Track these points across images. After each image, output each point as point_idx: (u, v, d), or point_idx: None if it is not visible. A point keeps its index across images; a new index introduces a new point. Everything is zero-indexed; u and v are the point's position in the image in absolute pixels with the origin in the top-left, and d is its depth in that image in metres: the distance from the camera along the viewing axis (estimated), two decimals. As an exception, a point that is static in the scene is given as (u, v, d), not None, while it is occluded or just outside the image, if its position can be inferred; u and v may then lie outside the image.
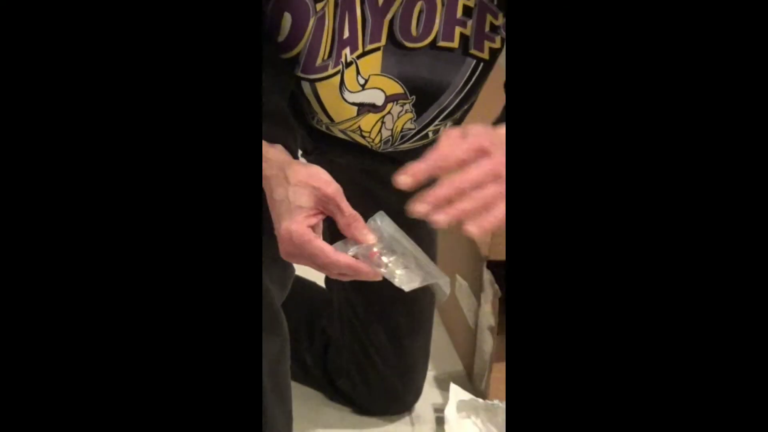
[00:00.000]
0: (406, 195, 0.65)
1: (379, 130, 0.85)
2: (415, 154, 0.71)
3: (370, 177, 0.89)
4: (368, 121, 0.82)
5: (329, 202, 0.64)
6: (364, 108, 0.80)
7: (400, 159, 0.79)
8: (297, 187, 0.65)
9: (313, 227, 0.64)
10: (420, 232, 0.83)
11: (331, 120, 0.80)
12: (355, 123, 0.83)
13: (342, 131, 0.81)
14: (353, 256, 0.64)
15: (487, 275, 1.03)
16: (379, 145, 0.83)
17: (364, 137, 0.82)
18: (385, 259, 0.64)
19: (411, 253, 0.66)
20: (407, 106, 0.83)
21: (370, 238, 0.65)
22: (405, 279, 0.65)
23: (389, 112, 0.85)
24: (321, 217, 0.65)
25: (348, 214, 0.64)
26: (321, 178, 0.64)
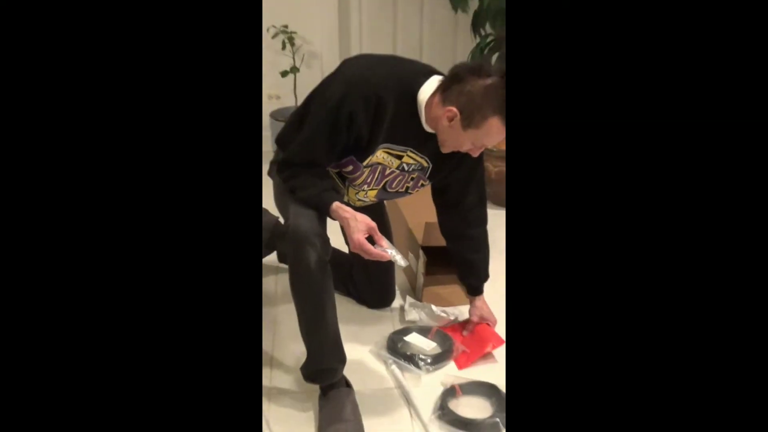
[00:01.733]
0: (373, 213, 1.32)
1: (361, 204, 1.48)
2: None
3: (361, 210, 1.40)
4: (359, 203, 1.48)
5: (372, 230, 1.23)
6: (362, 202, 1.49)
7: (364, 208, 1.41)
8: (360, 222, 1.23)
9: (366, 239, 1.20)
10: (383, 221, 1.56)
11: (347, 197, 1.47)
12: (356, 201, 1.49)
13: (346, 202, 1.35)
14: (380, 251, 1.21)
15: (421, 251, 1.75)
16: (357, 204, 1.48)
17: (351, 204, 1.35)
18: (390, 251, 1.23)
19: (397, 251, 1.25)
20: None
21: (387, 244, 1.24)
22: (400, 261, 1.24)
23: (368, 200, 1.49)
24: (367, 234, 1.22)
25: (378, 235, 1.24)
26: (370, 220, 1.24)
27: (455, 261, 1.63)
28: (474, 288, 1.61)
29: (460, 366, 1.56)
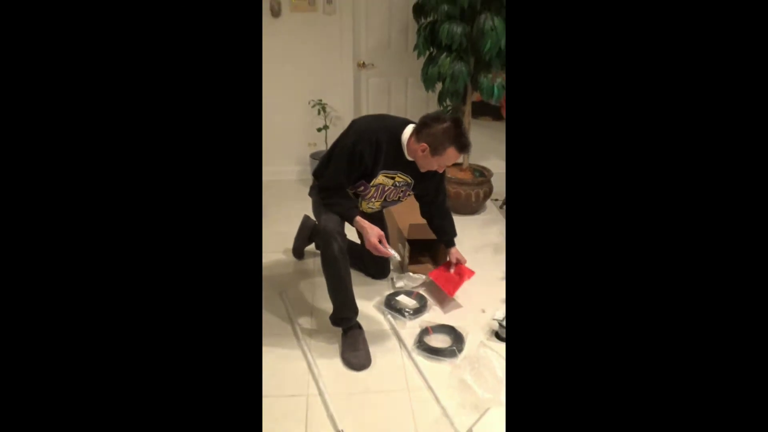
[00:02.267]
0: (378, 217, 2.12)
1: (369, 211, 2.06)
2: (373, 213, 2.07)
3: (367, 217, 1.96)
4: (369, 210, 2.09)
5: (381, 236, 1.83)
6: (371, 209, 2.11)
7: (372, 214, 2.06)
8: (373, 230, 1.84)
9: (378, 241, 1.81)
10: (383, 222, 2.24)
11: (361, 207, 2.04)
12: (366, 209, 2.09)
13: (361, 211, 1.93)
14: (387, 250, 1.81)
15: (406, 242, 2.35)
16: (367, 211, 2.06)
17: (363, 212, 1.95)
18: (391, 251, 1.85)
19: (394, 251, 1.88)
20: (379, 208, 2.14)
21: (390, 248, 1.87)
22: (396, 257, 1.90)
23: (375, 208, 2.09)
24: (378, 239, 1.83)
25: (384, 241, 1.84)
26: (380, 230, 1.85)
27: (434, 229, 2.21)
28: (448, 242, 2.20)
29: (451, 293, 2.13)
